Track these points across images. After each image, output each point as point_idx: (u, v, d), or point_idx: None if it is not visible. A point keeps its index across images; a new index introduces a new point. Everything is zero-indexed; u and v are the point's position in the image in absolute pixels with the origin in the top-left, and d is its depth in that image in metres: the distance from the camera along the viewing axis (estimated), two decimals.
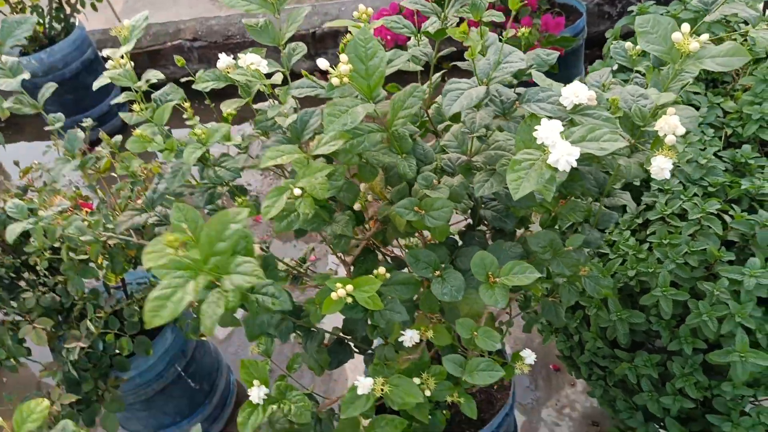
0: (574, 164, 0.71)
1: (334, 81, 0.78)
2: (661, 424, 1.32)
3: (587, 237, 0.96)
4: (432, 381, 1.00)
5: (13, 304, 1.40)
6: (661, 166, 0.80)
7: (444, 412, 1.26)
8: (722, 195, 1.35)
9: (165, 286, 0.63)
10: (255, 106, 1.04)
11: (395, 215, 0.91)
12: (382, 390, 0.86)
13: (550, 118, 0.75)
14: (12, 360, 1.37)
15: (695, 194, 1.30)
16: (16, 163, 1.63)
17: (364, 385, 0.85)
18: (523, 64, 0.82)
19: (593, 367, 1.37)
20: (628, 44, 1.05)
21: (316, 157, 0.86)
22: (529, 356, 1.14)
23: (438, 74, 1.07)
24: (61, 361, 1.37)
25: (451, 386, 1.05)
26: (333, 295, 0.79)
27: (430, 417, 1.21)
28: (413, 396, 0.87)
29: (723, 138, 1.54)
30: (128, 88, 1.01)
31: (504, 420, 1.32)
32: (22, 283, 1.45)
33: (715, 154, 1.42)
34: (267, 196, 0.80)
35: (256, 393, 0.98)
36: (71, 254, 1.30)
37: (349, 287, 0.79)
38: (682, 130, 0.79)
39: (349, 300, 0.79)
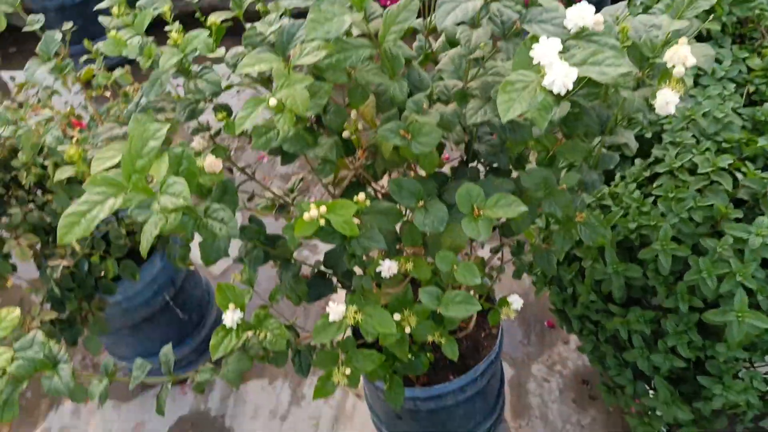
0: (570, 86, 0.66)
1: None
2: (650, 383, 1.29)
3: (585, 178, 0.91)
4: (413, 319, 0.96)
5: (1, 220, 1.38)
6: (666, 99, 0.74)
7: (428, 355, 1.24)
8: (737, 152, 1.28)
9: (82, 202, 0.60)
10: (248, 25, 0.99)
11: (382, 141, 0.86)
12: (354, 318, 0.83)
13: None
14: None
15: (708, 149, 1.23)
16: (12, 79, 1.59)
17: (336, 311, 0.82)
18: None
19: (585, 321, 1.33)
20: None
21: (298, 69, 0.81)
22: (516, 301, 1.10)
23: None
24: (45, 280, 1.35)
25: (433, 326, 1.02)
26: (305, 215, 0.75)
27: (413, 359, 1.18)
28: (387, 327, 0.84)
29: (744, 95, 1.46)
30: None
31: (489, 367, 1.29)
32: (13, 202, 1.43)
33: (733, 110, 1.35)
34: (243, 107, 0.76)
35: (231, 317, 0.95)
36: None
37: (323, 209, 0.74)
38: (692, 61, 0.73)
39: (323, 222, 0.75)
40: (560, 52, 0.67)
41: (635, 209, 1.21)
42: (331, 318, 0.83)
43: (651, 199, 1.23)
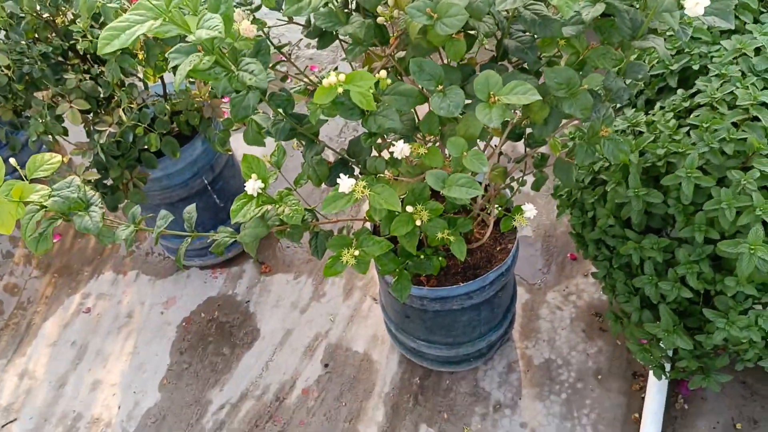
0: None
1: None
2: (657, 315, 1.30)
3: (609, 84, 0.91)
4: (425, 214, 1.00)
5: (58, 86, 1.46)
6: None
7: (440, 259, 1.28)
8: None
9: (124, 20, 0.64)
10: None
11: (409, 22, 0.88)
12: (362, 192, 0.87)
13: None
14: (49, 136, 1.45)
15: (753, 84, 1.20)
16: None
17: (346, 183, 0.86)
18: None
19: (601, 246, 1.34)
20: None
21: None
22: (529, 210, 1.12)
23: None
24: (92, 144, 1.44)
25: (444, 224, 1.05)
26: (324, 81, 0.78)
27: (425, 260, 1.23)
28: (392, 204, 0.87)
29: None
30: None
31: (498, 278, 1.33)
32: (69, 69, 1.50)
33: None
34: None
35: (252, 185, 1.00)
36: None
37: (342, 76, 0.77)
38: None
39: (341, 90, 0.78)
40: None
41: (667, 136, 1.19)
42: (341, 189, 0.87)
43: (686, 129, 1.21)
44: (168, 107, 1.47)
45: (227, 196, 1.82)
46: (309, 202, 1.89)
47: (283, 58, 1.13)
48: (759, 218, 1.06)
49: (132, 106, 1.42)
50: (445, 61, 1.05)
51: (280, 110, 1.01)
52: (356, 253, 1.04)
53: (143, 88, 1.53)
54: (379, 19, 0.99)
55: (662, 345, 1.26)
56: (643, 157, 1.23)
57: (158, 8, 0.67)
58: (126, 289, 2.00)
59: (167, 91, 1.59)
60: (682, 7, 0.75)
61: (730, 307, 1.15)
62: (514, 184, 1.23)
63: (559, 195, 1.44)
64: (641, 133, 1.27)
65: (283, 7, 0.85)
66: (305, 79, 1.17)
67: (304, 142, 1.10)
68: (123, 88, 1.47)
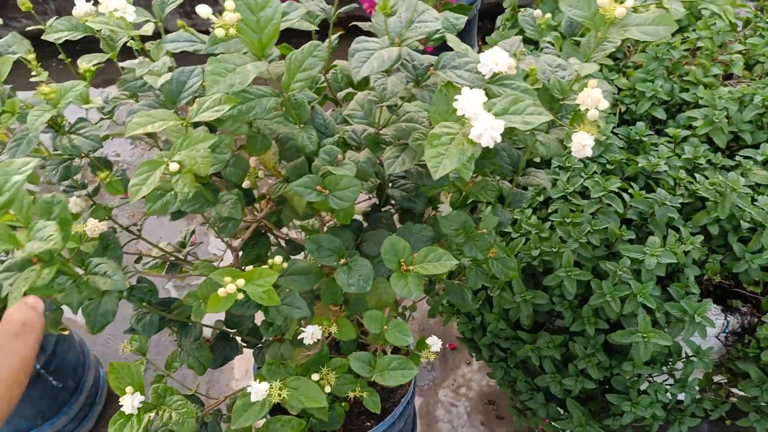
0: (498, 139, 0.63)
1: (219, 32, 0.64)
2: (560, 403, 1.31)
3: (500, 217, 0.90)
4: (333, 376, 0.90)
5: None
6: (582, 142, 0.74)
7: (343, 404, 1.17)
8: (619, 173, 1.34)
9: None
10: (121, 65, 0.88)
11: (293, 195, 0.79)
12: (279, 395, 0.75)
13: (470, 87, 0.66)
14: None
15: (595, 172, 1.28)
16: None
17: (259, 390, 0.74)
18: (439, 25, 0.73)
19: (495, 348, 1.34)
20: (537, 12, 0.99)
21: (196, 125, 0.73)
22: (435, 344, 1.07)
23: (336, 34, 0.96)
24: None
25: (353, 380, 0.96)
26: (221, 291, 0.66)
27: (330, 412, 1.12)
28: (315, 400, 0.77)
29: (617, 115, 1.54)
30: None
31: (405, 408, 1.26)
32: None
33: (612, 131, 1.42)
34: (136, 172, 0.66)
35: (129, 402, 0.83)
36: None
37: (241, 281, 0.66)
38: (605, 104, 0.73)
39: (241, 297, 0.67)
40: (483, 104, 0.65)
41: (535, 236, 1.22)
42: (253, 398, 0.74)
43: (548, 224, 1.26)
44: None
45: (65, 375, 1.55)
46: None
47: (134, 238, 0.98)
48: (640, 304, 1.11)
49: None
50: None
51: (144, 303, 0.87)
52: None
53: None
54: (244, 183, 0.90)
55: None
56: (517, 257, 1.25)
57: None
58: None
59: None
60: (567, 149, 0.76)
61: (628, 387, 1.19)
62: (407, 312, 1.18)
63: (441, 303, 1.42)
64: (506, 233, 1.30)
65: (144, 208, 0.73)
66: (166, 251, 1.03)
67: (176, 329, 0.95)
68: None
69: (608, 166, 1.33)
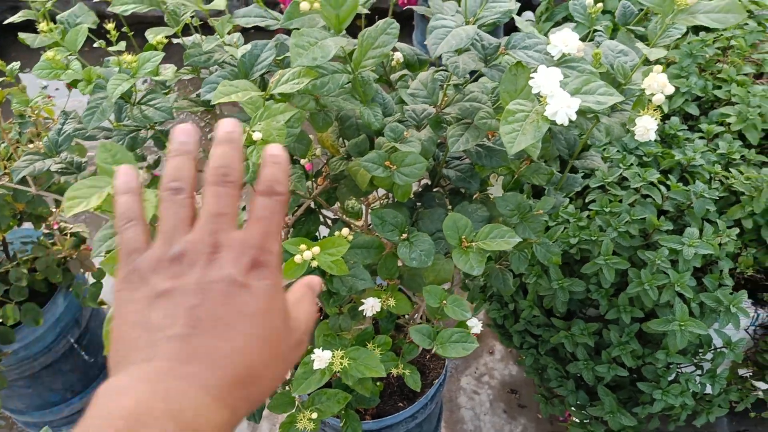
0: (574, 117, 0.65)
1: (304, 6, 0.66)
2: (588, 391, 1.33)
3: (555, 200, 0.91)
4: (378, 352, 0.92)
5: None
6: (647, 126, 0.76)
7: (377, 384, 1.19)
8: (655, 165, 1.36)
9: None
10: (183, 39, 0.90)
11: (356, 171, 0.81)
12: (341, 364, 0.77)
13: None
14: None
15: (632, 164, 1.30)
16: None
17: (322, 358, 0.76)
18: (513, 5, 0.74)
19: (526, 335, 1.36)
20: (588, 0, 1.01)
21: (270, 97, 0.74)
22: (476, 325, 1.09)
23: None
24: None
25: (395, 357, 0.98)
26: (297, 258, 0.68)
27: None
28: (375, 370, 0.79)
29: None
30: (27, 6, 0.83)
31: (437, 391, 1.27)
32: None
33: None
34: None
35: None
36: None
37: (316, 249, 0.68)
38: (671, 89, 0.75)
39: (315, 264, 0.68)
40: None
41: (574, 224, 1.24)
42: (316, 365, 0.76)
43: (585, 213, 1.27)
44: (24, 270, 1.23)
45: (97, 350, 1.57)
46: None
47: None
48: (676, 293, 1.13)
49: None
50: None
51: None
52: (313, 415, 0.93)
53: None
54: (302, 162, 0.91)
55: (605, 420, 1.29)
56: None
57: None
58: None
59: (9, 249, 1.34)
60: (630, 132, 0.77)
61: (659, 376, 1.21)
62: None
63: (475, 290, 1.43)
64: (544, 222, 1.31)
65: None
66: None
67: None
68: None
69: (645, 159, 1.34)
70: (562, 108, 0.65)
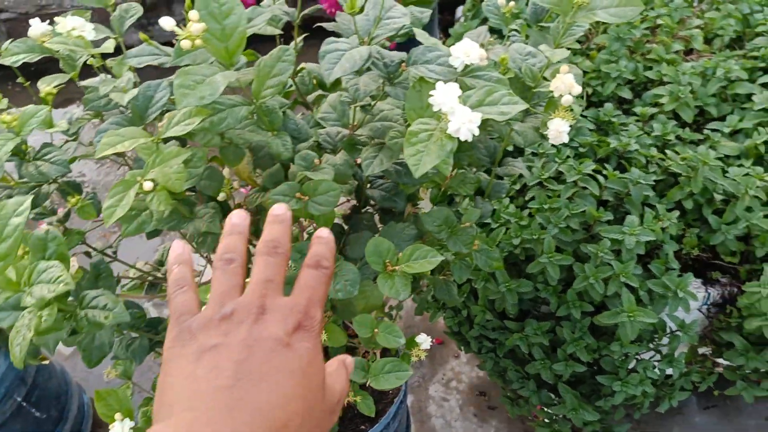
0: (477, 132, 0.63)
1: (185, 44, 0.63)
2: (550, 389, 1.32)
3: (481, 210, 0.89)
4: None
5: None
6: (559, 129, 0.74)
7: None
8: (591, 155, 1.35)
9: None
10: (82, 83, 0.85)
11: (271, 204, 0.78)
12: None
13: (443, 81, 0.65)
14: None
15: (568, 156, 1.29)
16: None
17: None
18: (407, 20, 0.72)
19: (483, 340, 1.34)
20: (501, 0, 0.99)
21: (166, 140, 0.71)
22: (425, 341, 1.07)
23: (301, 37, 0.94)
24: None
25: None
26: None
27: None
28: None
29: (584, 97, 1.55)
30: None
31: (399, 408, 1.25)
32: None
33: (581, 114, 1.43)
34: (109, 193, 0.64)
35: (120, 429, 0.81)
36: None
37: None
38: (578, 89, 0.73)
39: None
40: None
41: (515, 224, 1.23)
42: None
43: (526, 212, 1.26)
44: None
45: (48, 404, 1.51)
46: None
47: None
48: (622, 284, 1.12)
49: None
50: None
51: (132, 331, 0.84)
52: None
53: None
54: (220, 196, 0.88)
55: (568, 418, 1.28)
56: (499, 247, 1.25)
57: None
58: None
59: None
60: (544, 137, 0.76)
61: (617, 367, 1.20)
62: (394, 312, 1.17)
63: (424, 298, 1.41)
64: (487, 224, 1.29)
65: (121, 229, 0.71)
66: (144, 270, 1.00)
67: (161, 351, 0.93)
68: None
69: (580, 150, 1.34)
70: (464, 124, 0.63)
